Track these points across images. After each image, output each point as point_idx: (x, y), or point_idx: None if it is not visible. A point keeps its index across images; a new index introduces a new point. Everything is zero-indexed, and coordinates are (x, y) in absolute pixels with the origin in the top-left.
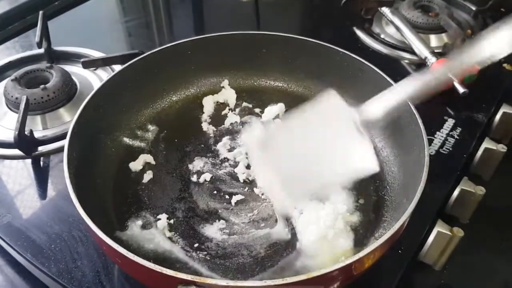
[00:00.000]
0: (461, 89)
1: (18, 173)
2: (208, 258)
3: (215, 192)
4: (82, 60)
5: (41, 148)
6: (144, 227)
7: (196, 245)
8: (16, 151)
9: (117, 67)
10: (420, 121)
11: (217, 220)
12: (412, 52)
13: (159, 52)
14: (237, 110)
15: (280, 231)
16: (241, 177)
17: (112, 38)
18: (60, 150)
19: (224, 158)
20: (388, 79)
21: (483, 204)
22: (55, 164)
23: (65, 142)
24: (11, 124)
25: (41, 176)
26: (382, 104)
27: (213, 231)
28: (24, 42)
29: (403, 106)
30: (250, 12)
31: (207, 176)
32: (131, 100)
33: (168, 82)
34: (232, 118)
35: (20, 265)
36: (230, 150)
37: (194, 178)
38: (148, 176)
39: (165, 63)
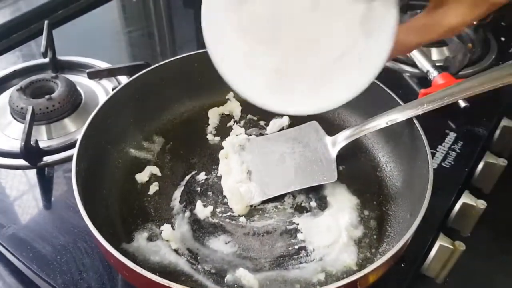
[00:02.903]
0: (462, 103)
1: (23, 183)
2: (213, 271)
3: (220, 204)
4: (87, 71)
5: (46, 158)
6: (150, 239)
7: (201, 257)
8: (21, 161)
9: (122, 78)
10: (424, 137)
11: (222, 233)
12: (413, 65)
13: (167, 64)
14: (242, 122)
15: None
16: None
17: (115, 48)
18: (64, 160)
19: None
20: (392, 94)
21: (484, 217)
22: (60, 174)
23: (72, 154)
24: (16, 133)
25: (46, 186)
26: (346, 137)
27: (218, 244)
28: (27, 52)
29: (406, 121)
30: None
31: (212, 189)
32: (138, 111)
33: (174, 94)
34: (237, 130)
35: (24, 275)
36: None
37: (199, 190)
38: (154, 187)
39: (172, 75)
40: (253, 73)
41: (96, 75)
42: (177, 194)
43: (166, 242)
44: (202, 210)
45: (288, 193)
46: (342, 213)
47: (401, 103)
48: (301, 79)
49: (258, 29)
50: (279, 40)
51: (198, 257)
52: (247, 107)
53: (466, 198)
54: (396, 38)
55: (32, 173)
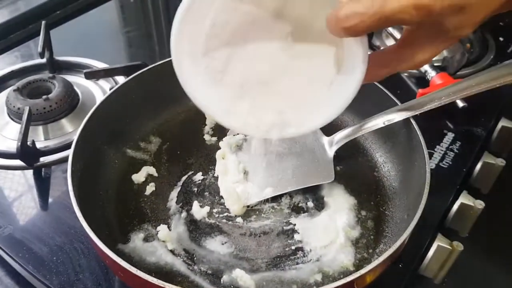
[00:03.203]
0: (460, 103)
1: (20, 184)
2: (210, 272)
3: (217, 205)
4: (85, 71)
5: (43, 159)
6: (146, 239)
7: (197, 258)
8: (18, 162)
9: (120, 78)
10: (421, 137)
11: (219, 234)
12: None
13: (164, 64)
14: None
15: None
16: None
17: (113, 48)
18: (61, 161)
19: None
20: (389, 94)
21: (482, 217)
22: (57, 175)
23: (69, 154)
24: (13, 134)
25: (43, 187)
26: (344, 137)
27: (215, 244)
28: (25, 52)
29: (403, 121)
30: None
31: (209, 189)
32: (135, 112)
33: (171, 94)
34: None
35: (20, 276)
36: None
37: (196, 191)
38: (150, 188)
39: (169, 75)
40: (229, 111)
41: (94, 75)
42: (173, 194)
43: (163, 242)
44: (199, 211)
45: (285, 193)
46: (339, 214)
47: (398, 103)
48: (274, 111)
49: (227, 75)
50: (252, 81)
51: (195, 258)
52: None
53: (464, 199)
54: (367, 69)
55: (29, 173)
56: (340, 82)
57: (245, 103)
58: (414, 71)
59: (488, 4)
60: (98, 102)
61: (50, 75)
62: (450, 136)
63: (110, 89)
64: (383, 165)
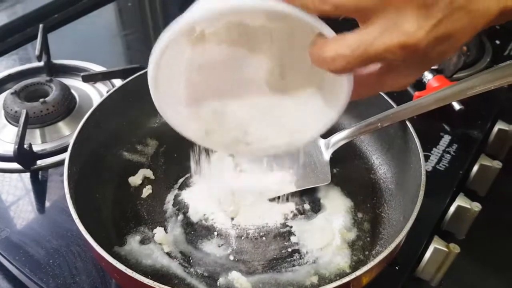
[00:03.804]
0: (457, 106)
1: (17, 187)
2: (206, 274)
3: (213, 208)
4: (82, 74)
5: (40, 162)
6: (142, 242)
7: (194, 261)
8: (15, 165)
9: (117, 81)
10: (417, 139)
11: (215, 236)
12: None
13: None
14: None
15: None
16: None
17: (111, 51)
18: (58, 164)
19: None
20: (386, 96)
21: (479, 220)
22: (54, 178)
23: (65, 157)
24: (10, 137)
25: (40, 190)
26: (340, 139)
27: (211, 247)
28: (23, 55)
29: (399, 123)
30: None
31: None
32: (132, 114)
33: None
34: None
35: (17, 279)
36: None
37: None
38: (147, 191)
39: None
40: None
41: (91, 78)
42: (170, 197)
43: (159, 245)
44: (195, 213)
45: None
46: (335, 216)
47: (394, 105)
48: (254, 136)
49: (215, 119)
50: (239, 118)
51: (191, 260)
52: None
53: (461, 201)
54: None
55: (26, 177)
56: (320, 109)
57: (238, 137)
58: None
59: (472, 27)
60: (95, 105)
61: (48, 78)
62: (446, 138)
63: (107, 92)
64: (379, 168)
